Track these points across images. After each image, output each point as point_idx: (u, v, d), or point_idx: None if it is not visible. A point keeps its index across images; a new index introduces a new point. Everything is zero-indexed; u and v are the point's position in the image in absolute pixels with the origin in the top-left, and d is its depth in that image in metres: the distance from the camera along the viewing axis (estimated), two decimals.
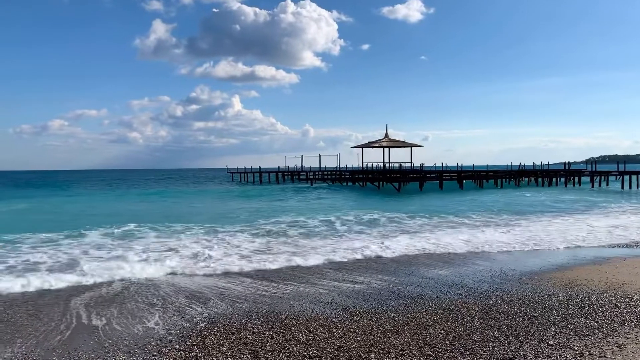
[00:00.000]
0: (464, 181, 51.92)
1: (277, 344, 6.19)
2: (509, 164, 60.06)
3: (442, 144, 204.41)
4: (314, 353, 5.87)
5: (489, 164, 60.46)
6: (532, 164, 61.21)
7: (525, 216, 22.62)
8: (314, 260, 12.14)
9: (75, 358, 5.85)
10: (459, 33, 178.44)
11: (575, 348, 5.92)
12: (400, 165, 53.13)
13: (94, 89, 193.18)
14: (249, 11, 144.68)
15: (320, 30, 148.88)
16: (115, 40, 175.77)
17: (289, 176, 73.45)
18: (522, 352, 5.80)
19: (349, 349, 5.99)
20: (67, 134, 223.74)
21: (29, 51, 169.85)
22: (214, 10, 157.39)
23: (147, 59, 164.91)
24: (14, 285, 9.48)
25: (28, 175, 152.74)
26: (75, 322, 7.33)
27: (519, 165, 60.22)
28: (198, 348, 6.11)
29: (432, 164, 55.47)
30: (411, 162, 54.86)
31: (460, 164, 57.88)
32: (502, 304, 7.90)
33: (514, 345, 6.06)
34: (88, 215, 25.15)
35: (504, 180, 55.81)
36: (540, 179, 57.27)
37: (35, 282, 9.64)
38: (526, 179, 58.64)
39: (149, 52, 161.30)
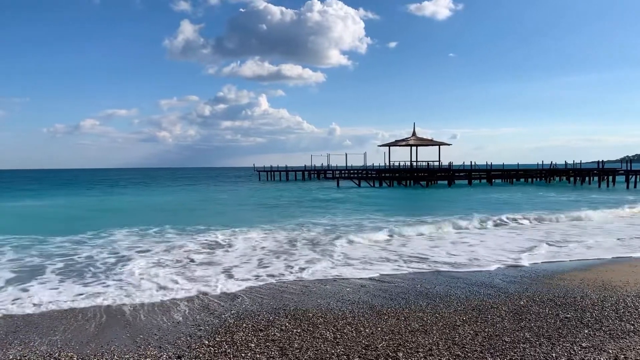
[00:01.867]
0: (494, 180, 51.18)
1: (304, 342, 6.21)
2: (540, 162, 58.90)
3: (470, 142, 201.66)
4: (342, 351, 5.87)
5: (519, 163, 59.41)
6: (563, 162, 59.84)
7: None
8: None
9: (108, 351, 5.98)
10: (488, 29, 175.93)
11: (610, 351, 5.77)
12: (428, 163, 52.66)
13: (124, 89, 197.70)
14: (276, 10, 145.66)
15: (347, 29, 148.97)
16: (144, 41, 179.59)
17: (315, 175, 73.67)
18: (554, 354, 5.69)
19: (377, 347, 5.97)
20: (98, 133, 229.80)
21: (62, 52, 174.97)
22: (241, 10, 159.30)
23: (176, 59, 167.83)
24: None
25: (65, 173, 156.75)
26: (106, 316, 7.50)
27: (550, 164, 58.97)
28: (227, 344, 6.17)
29: (461, 163, 54.75)
30: (439, 161, 54.32)
31: (489, 163, 57.05)
32: (532, 305, 7.76)
33: (546, 347, 5.94)
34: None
35: (534, 179, 54.76)
36: (572, 178, 55.98)
37: None
38: (557, 178, 57.40)
39: (178, 52, 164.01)
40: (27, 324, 7.21)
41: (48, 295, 8.82)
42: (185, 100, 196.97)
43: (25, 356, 5.85)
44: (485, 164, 57.09)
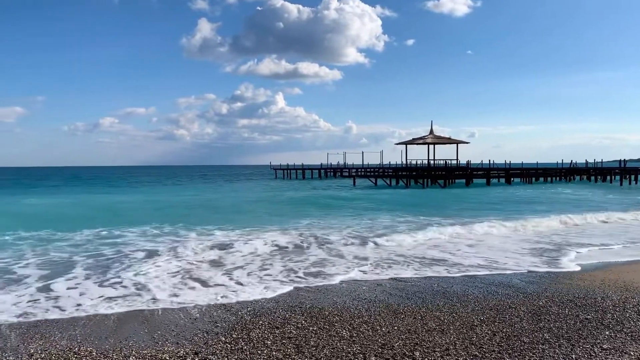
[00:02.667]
0: (512, 179, 50.59)
1: (320, 340, 6.21)
2: (560, 161, 58.04)
3: (489, 140, 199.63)
4: (358, 350, 5.86)
5: (539, 162, 58.64)
6: (584, 161, 58.88)
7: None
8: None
9: (126, 347, 6.05)
10: (506, 25, 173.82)
11: (632, 353, 5.66)
12: (446, 162, 52.25)
13: (142, 88, 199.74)
14: (293, 8, 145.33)
15: (364, 26, 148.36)
16: (162, 39, 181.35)
17: (332, 173, 73.62)
18: (573, 356, 5.60)
19: (393, 346, 5.95)
20: (117, 131, 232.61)
21: (81, 51, 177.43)
22: (258, 8, 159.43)
23: (193, 57, 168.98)
24: None
25: (86, 171, 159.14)
26: (124, 312, 7.60)
27: (570, 163, 58.09)
28: (243, 341, 6.20)
29: (479, 161, 54.21)
30: (457, 160, 53.87)
31: (508, 161, 56.40)
32: (552, 305, 7.65)
33: (565, 348, 5.85)
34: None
35: (554, 178, 54.00)
36: (593, 177, 55.08)
37: None
38: (577, 177, 56.51)
39: (195, 51, 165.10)
40: (47, 318, 7.34)
41: (68, 292, 8.96)
42: (203, 98, 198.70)
43: (46, 350, 5.95)
44: (503, 162, 56.49)
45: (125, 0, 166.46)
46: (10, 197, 37.82)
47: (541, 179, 55.16)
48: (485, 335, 6.32)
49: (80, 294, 8.68)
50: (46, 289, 9.08)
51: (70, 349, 5.98)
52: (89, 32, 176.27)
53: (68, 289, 9.09)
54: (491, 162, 55.07)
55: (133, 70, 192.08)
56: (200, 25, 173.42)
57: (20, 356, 5.74)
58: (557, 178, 55.26)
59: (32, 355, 5.76)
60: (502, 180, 52.14)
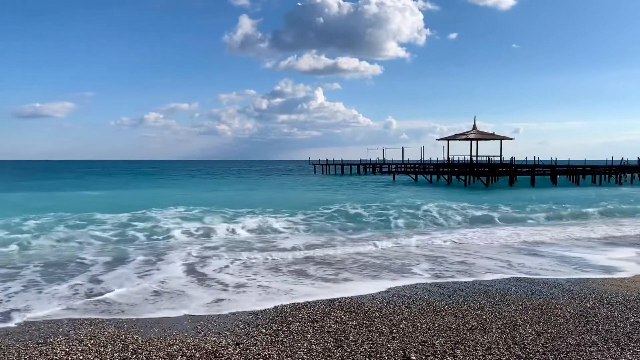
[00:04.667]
0: (558, 177, 49.03)
1: (360, 335, 6.21)
2: (609, 158, 55.77)
3: (534, 136, 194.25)
4: (398, 346, 5.82)
5: (587, 159, 56.53)
6: (636, 159, 56.38)
7: None
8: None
9: (170, 335, 6.22)
10: (553, 19, 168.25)
11: None
12: (489, 158, 51.10)
13: (186, 84, 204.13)
14: (333, 3, 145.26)
15: (405, 20, 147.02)
16: (206, 36, 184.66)
17: (371, 169, 73.24)
18: None
19: (434, 344, 5.88)
20: (161, 126, 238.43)
21: (128, 48, 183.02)
22: (298, 4, 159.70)
23: (235, 53, 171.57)
24: None
25: (135, 164, 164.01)
26: (168, 302, 7.80)
27: (621, 161, 55.74)
28: (283, 333, 6.27)
29: (524, 158, 52.71)
30: (500, 156, 52.58)
31: (554, 158, 54.65)
32: (600, 307, 7.39)
33: (614, 351, 5.64)
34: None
35: (603, 176, 51.97)
36: None
37: None
38: (629, 176, 54.17)
39: (236, 47, 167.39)
40: (96, 305, 7.63)
41: (117, 280, 9.29)
42: (243, 94, 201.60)
43: (96, 335, 6.19)
44: (549, 159, 54.78)
45: None
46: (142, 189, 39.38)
47: (588, 177, 53.17)
48: (529, 336, 6.16)
49: (126, 277, 8.98)
50: (96, 280, 9.44)
51: (117, 336, 6.19)
52: (135, 29, 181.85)
53: (114, 275, 9.43)
54: (536, 158, 53.46)
55: (177, 66, 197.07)
56: (241, 21, 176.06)
57: (70, 341, 5.99)
58: (606, 177, 53.14)
59: (82, 340, 6.00)
60: (548, 177, 50.62)
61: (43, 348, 5.75)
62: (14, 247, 12.63)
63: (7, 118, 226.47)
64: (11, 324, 6.72)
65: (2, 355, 5.55)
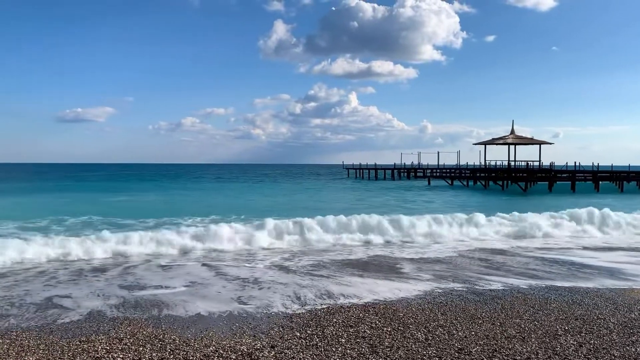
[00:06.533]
0: (600, 182, 47.46)
1: (395, 341, 6.16)
2: None
3: (574, 141, 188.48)
4: (434, 353, 5.75)
5: (631, 164, 54.59)
6: None
7: None
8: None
9: (207, 337, 6.31)
10: (596, 20, 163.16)
11: None
12: (528, 163, 49.94)
13: (222, 88, 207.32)
14: (367, 7, 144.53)
15: (441, 23, 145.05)
16: (240, 41, 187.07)
17: (405, 173, 72.59)
18: None
19: (471, 352, 5.78)
20: (198, 130, 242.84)
21: (165, 53, 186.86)
22: (332, 8, 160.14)
23: (269, 58, 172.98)
24: None
25: (175, 168, 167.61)
26: (201, 303, 7.93)
27: None
28: (318, 337, 6.27)
29: (564, 163, 51.32)
30: (539, 161, 51.33)
31: (596, 164, 52.95)
32: None
33: None
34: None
35: None
36: None
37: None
38: None
39: (271, 52, 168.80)
40: (136, 305, 7.82)
41: (156, 280, 9.50)
42: (278, 98, 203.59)
43: (135, 335, 6.34)
44: (591, 165, 53.13)
45: (206, 3, 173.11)
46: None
47: (633, 182, 51.28)
48: (571, 346, 5.98)
49: (166, 278, 9.16)
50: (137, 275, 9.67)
51: (155, 336, 6.33)
52: (172, 35, 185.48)
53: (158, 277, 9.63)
54: (577, 164, 51.93)
55: (213, 71, 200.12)
56: (276, 26, 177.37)
57: (111, 340, 6.16)
58: None
59: (122, 339, 6.16)
60: (589, 183, 49.10)
61: (85, 346, 5.93)
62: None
63: (50, 122, 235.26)
64: (56, 322, 6.95)
65: (47, 352, 5.75)
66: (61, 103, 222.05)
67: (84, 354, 5.65)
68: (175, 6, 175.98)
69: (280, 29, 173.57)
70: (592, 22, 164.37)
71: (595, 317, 7.18)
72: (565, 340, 6.19)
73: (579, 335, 6.38)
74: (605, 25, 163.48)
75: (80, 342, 6.07)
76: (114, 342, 6.08)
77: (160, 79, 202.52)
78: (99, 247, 12.35)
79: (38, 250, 11.75)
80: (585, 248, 13.96)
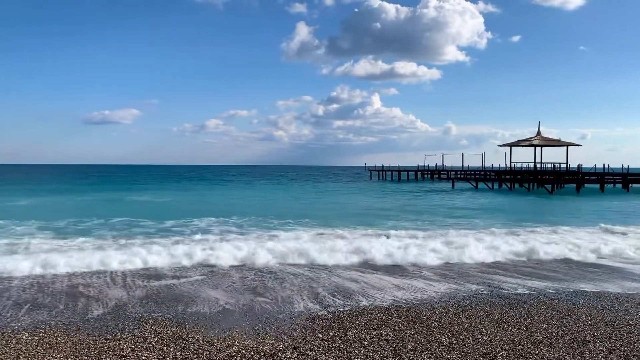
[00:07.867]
0: (631, 185, 46.30)
1: (418, 344, 6.09)
2: None
3: (603, 143, 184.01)
4: (458, 357, 5.67)
5: None
6: None
7: None
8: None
9: (230, 337, 6.35)
10: (625, 19, 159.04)
11: None
12: (554, 165, 49.03)
13: (245, 90, 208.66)
14: (390, 8, 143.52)
15: (465, 23, 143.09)
16: (263, 43, 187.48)
17: (429, 175, 72.02)
18: None
19: (496, 357, 5.68)
20: (221, 132, 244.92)
21: (189, 56, 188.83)
22: (355, 10, 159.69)
23: (292, 60, 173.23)
24: None
25: (199, 169, 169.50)
26: (227, 304, 7.97)
27: None
28: (340, 340, 6.25)
29: (592, 165, 50.21)
30: (566, 163, 50.35)
31: (626, 166, 51.69)
32: None
33: None
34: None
35: None
36: None
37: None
38: None
39: (293, 54, 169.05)
40: (158, 303, 7.91)
41: (181, 280, 9.60)
42: (300, 100, 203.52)
43: (159, 334, 6.41)
44: (620, 167, 51.88)
45: (230, 6, 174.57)
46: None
47: None
48: (600, 353, 5.83)
49: (185, 277, 9.26)
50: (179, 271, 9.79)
51: (179, 335, 6.39)
52: (196, 38, 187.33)
53: (177, 276, 9.74)
54: (606, 166, 50.75)
55: (236, 74, 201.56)
56: (298, 28, 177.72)
57: (135, 338, 6.24)
58: None
59: (146, 339, 6.23)
60: (618, 186, 47.95)
61: (111, 344, 6.02)
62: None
63: (78, 124, 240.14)
64: (82, 320, 7.08)
65: (74, 349, 5.86)
66: (88, 105, 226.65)
67: (110, 352, 5.73)
68: (199, 9, 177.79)
69: (302, 31, 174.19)
70: (620, 21, 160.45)
71: (626, 324, 6.99)
72: (595, 347, 6.03)
73: (608, 342, 6.21)
74: (634, 24, 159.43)
75: (106, 340, 6.16)
76: (139, 340, 6.15)
77: (184, 82, 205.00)
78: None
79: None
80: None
